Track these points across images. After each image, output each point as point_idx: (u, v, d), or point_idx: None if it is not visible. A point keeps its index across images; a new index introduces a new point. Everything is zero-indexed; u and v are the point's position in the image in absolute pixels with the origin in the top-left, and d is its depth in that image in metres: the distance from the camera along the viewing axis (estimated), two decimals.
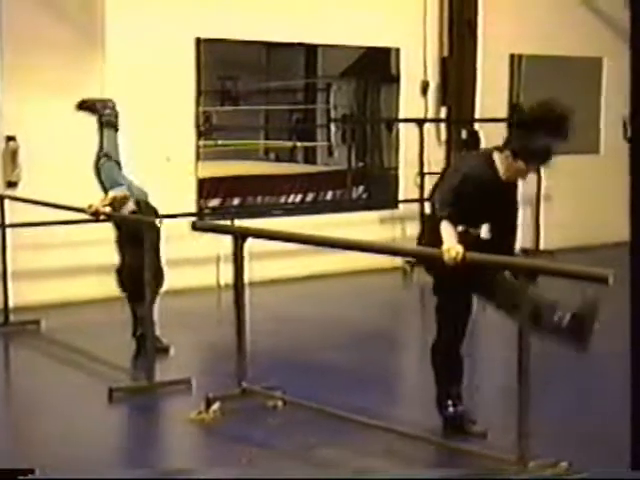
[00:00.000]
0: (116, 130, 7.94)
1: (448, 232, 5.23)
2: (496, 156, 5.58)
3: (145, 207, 7.54)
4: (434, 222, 5.45)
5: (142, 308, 7.27)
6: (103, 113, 7.95)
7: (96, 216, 7.56)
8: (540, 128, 5.50)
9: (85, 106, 8.08)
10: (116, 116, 7.97)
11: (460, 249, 5.09)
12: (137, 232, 7.16)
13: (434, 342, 5.80)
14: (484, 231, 5.69)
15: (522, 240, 12.70)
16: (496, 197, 5.55)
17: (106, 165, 7.68)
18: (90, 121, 9.58)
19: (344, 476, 4.87)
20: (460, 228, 5.39)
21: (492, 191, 5.52)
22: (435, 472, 4.93)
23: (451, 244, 5.14)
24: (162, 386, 6.82)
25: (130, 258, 7.51)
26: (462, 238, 5.32)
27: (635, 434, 4.33)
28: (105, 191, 7.58)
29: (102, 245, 8.95)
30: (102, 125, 7.93)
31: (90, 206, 7.47)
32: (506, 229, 5.73)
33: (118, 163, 7.75)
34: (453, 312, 5.71)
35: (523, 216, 12.92)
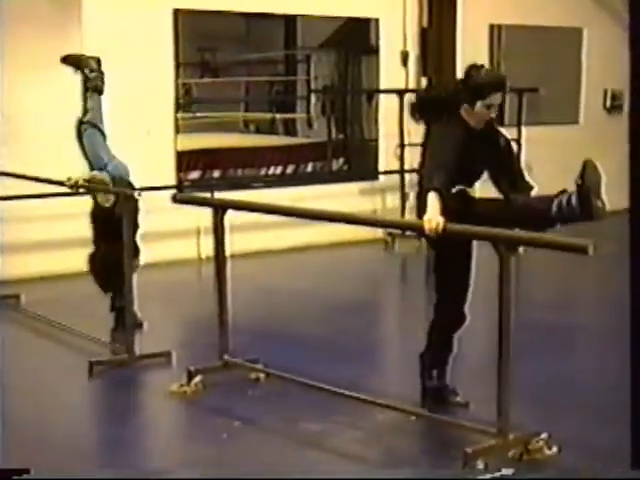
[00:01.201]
0: (100, 94, 7.74)
1: (433, 204, 5.19)
2: (462, 114, 5.56)
3: (123, 184, 7.40)
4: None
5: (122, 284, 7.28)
6: (88, 76, 7.75)
7: (75, 189, 7.49)
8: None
9: (69, 61, 7.84)
10: (102, 79, 7.74)
11: (441, 220, 5.09)
12: (115, 224, 7.09)
13: (434, 320, 5.79)
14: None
15: None
16: (480, 148, 5.56)
17: (90, 134, 7.51)
18: (72, 92, 9.53)
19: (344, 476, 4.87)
20: (456, 189, 5.43)
21: (474, 145, 5.51)
22: (436, 472, 4.92)
23: (432, 215, 5.14)
24: (142, 359, 6.80)
25: (106, 249, 7.45)
26: (459, 199, 5.41)
27: (635, 434, 4.35)
28: (87, 160, 7.47)
29: (83, 218, 8.92)
30: (87, 88, 7.70)
31: (69, 178, 7.40)
32: (504, 173, 5.72)
33: (102, 133, 7.58)
34: (453, 290, 5.72)
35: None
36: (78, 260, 9.12)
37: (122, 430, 5.65)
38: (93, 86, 7.68)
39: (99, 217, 7.51)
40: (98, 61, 7.82)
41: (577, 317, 8.15)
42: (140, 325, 7.48)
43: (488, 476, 4.73)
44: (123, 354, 6.80)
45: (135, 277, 7.23)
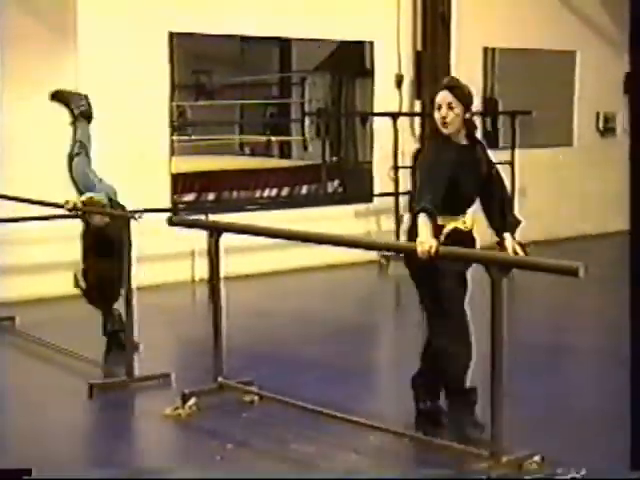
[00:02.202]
0: (89, 122, 7.86)
1: (424, 225, 5.17)
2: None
3: (115, 204, 7.47)
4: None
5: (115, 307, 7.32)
6: (78, 105, 7.87)
7: (74, 211, 7.52)
8: None
9: (58, 97, 7.99)
10: (90, 108, 7.89)
11: (434, 242, 5.07)
12: (108, 243, 7.15)
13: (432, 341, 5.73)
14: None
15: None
16: (467, 167, 5.51)
17: (79, 160, 7.59)
18: (66, 116, 9.57)
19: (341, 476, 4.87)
20: (447, 222, 5.42)
21: (460, 162, 5.47)
22: (430, 472, 4.92)
23: (425, 237, 5.13)
24: (140, 381, 6.81)
25: (100, 267, 7.49)
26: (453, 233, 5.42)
27: (634, 435, 4.36)
28: (77, 188, 7.53)
29: (76, 241, 8.94)
30: (75, 117, 7.85)
31: (67, 202, 7.41)
32: (495, 202, 5.67)
33: (89, 157, 7.69)
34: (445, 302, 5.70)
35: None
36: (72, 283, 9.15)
37: (116, 452, 5.64)
38: (81, 112, 7.80)
39: (94, 236, 7.53)
40: (85, 97, 7.92)
41: (570, 338, 8.16)
42: (137, 347, 7.50)
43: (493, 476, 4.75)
44: (120, 376, 6.81)
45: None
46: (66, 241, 9.16)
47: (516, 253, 5.48)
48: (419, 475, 4.87)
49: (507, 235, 5.63)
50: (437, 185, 5.34)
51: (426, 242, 5.08)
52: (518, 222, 5.70)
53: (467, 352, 5.48)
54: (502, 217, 5.67)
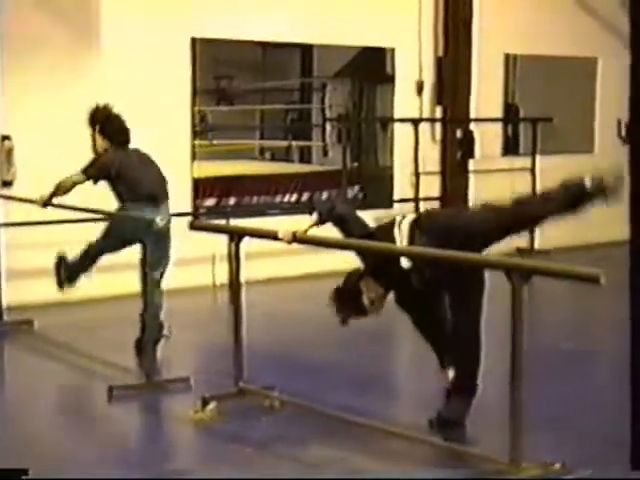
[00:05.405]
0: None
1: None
2: None
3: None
4: None
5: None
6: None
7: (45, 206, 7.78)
8: None
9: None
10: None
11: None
12: None
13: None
14: None
15: (518, 240, 12.75)
16: None
17: None
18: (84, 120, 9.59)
19: (344, 476, 4.88)
20: None
21: None
22: (435, 472, 4.92)
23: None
24: (161, 385, 6.84)
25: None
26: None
27: (635, 435, 4.35)
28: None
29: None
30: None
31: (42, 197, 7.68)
32: None
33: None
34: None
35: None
36: (91, 286, 9.17)
37: (135, 456, 5.67)
38: None
39: None
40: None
41: (587, 344, 8.16)
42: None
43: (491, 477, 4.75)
44: (142, 379, 6.85)
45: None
46: (82, 245, 9.20)
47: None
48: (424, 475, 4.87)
49: None
50: None
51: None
52: None
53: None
54: None
